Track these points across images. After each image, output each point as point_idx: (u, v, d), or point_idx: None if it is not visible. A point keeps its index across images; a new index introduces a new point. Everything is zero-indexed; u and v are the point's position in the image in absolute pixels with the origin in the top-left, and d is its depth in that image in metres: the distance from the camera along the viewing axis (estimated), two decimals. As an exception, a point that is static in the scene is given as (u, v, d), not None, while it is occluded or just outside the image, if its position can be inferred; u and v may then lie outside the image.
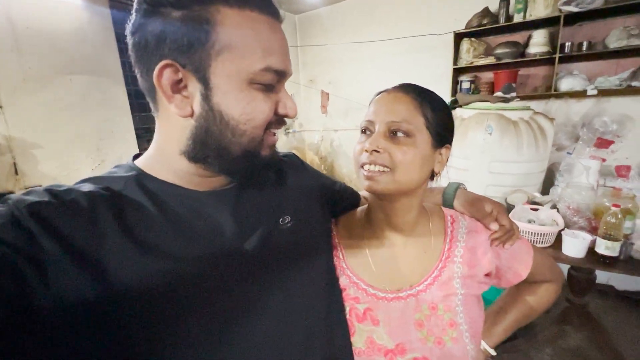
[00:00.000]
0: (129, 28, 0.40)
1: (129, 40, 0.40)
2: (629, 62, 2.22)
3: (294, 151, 3.59)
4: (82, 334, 0.33)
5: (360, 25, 3.33)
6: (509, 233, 0.60)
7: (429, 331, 0.54)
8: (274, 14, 0.42)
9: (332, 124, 3.78)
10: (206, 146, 0.41)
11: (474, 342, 0.55)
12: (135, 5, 0.39)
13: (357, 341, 0.56)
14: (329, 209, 0.65)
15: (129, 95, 2.39)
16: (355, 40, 3.35)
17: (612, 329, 1.87)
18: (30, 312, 0.30)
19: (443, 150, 0.57)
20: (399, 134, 0.53)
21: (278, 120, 0.45)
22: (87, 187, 0.38)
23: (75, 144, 2.10)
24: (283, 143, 3.79)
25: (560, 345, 1.76)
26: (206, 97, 0.39)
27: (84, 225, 0.34)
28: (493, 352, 0.68)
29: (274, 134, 0.46)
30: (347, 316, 0.58)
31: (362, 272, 0.60)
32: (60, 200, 0.35)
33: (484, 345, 0.68)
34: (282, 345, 0.45)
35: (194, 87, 0.39)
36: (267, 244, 0.47)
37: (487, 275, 0.59)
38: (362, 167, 0.54)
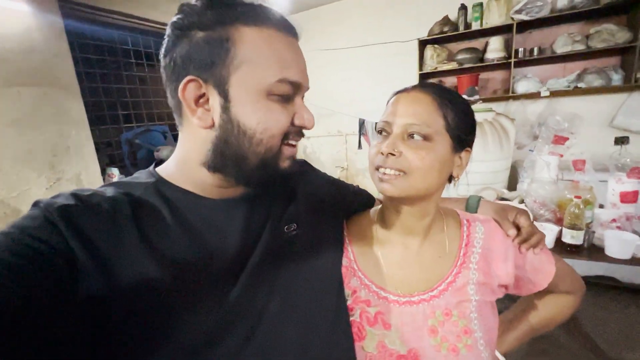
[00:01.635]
0: (161, 52, 0.44)
1: (162, 62, 0.44)
2: (575, 66, 2.43)
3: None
4: (94, 330, 0.35)
5: (327, 34, 3.38)
6: (534, 236, 0.57)
7: (443, 338, 0.53)
8: (291, 32, 0.45)
9: (305, 130, 3.77)
10: (225, 156, 0.43)
11: (488, 350, 0.53)
12: (167, 30, 0.43)
13: (368, 345, 0.54)
14: (341, 214, 0.65)
15: (87, 107, 2.22)
16: (323, 47, 3.39)
17: (579, 313, 1.99)
18: (61, 306, 0.32)
19: (463, 154, 0.55)
20: (417, 137, 0.50)
21: (295, 131, 0.46)
22: (109, 192, 0.41)
23: (24, 162, 1.90)
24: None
25: (534, 333, 1.84)
26: (225, 109, 0.42)
27: (105, 228, 0.37)
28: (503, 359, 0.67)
29: (293, 146, 0.47)
30: (358, 319, 0.56)
31: (374, 274, 0.58)
32: (86, 203, 0.38)
33: (496, 353, 0.66)
34: (281, 353, 0.46)
35: (215, 100, 0.42)
36: (271, 250, 0.48)
37: (502, 286, 0.57)
38: (377, 169, 0.52)
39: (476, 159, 2.12)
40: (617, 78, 2.28)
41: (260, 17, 0.42)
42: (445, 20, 2.68)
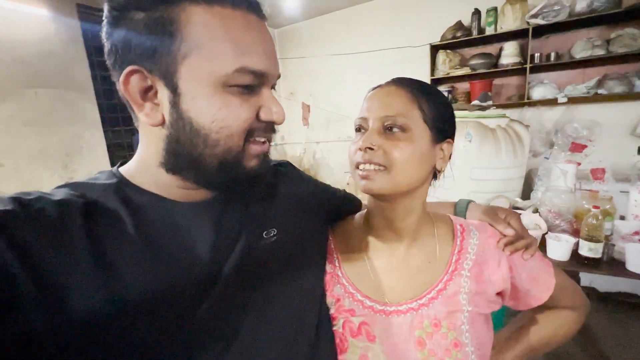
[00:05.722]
0: (102, 36, 0.37)
1: (105, 48, 0.38)
2: (594, 71, 2.34)
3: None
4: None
5: (338, 38, 3.40)
6: (523, 240, 0.54)
7: (431, 351, 0.49)
8: (253, 9, 0.38)
9: (314, 136, 3.78)
10: (179, 157, 0.38)
11: None
12: (105, 12, 0.37)
13: (350, 358, 0.52)
14: (326, 219, 0.62)
15: (101, 109, 2.29)
16: (334, 52, 3.40)
17: (598, 330, 1.88)
18: None
19: (444, 145, 0.53)
20: (394, 129, 0.49)
21: (262, 127, 0.40)
22: (59, 195, 0.35)
23: (39, 161, 1.97)
24: (265, 156, 3.74)
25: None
26: (174, 104, 0.36)
27: (50, 239, 0.31)
28: None
29: (262, 142, 0.41)
30: (340, 330, 0.53)
31: (360, 282, 0.55)
32: (26, 209, 0.32)
33: None
34: None
35: (163, 94, 0.36)
36: (247, 260, 0.43)
37: (498, 294, 0.54)
38: (357, 167, 0.51)
39: (488, 166, 2.05)
40: (640, 84, 2.18)
41: None
42: (458, 25, 2.64)
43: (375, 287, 0.55)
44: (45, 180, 1.99)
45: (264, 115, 0.39)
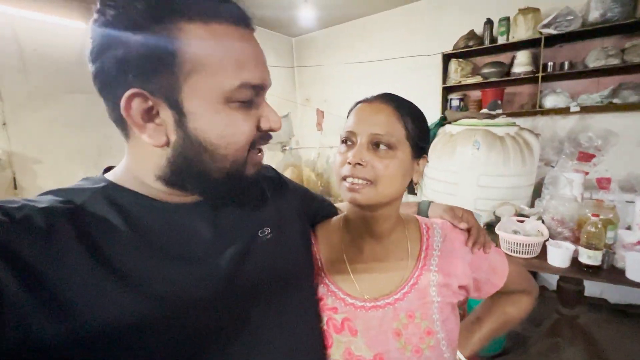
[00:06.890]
0: (87, 55, 0.36)
1: (90, 67, 0.36)
2: (609, 80, 2.32)
3: (290, 168, 3.56)
4: None
5: (353, 47, 3.49)
6: (483, 236, 0.61)
7: (407, 340, 0.54)
8: (245, 24, 0.39)
9: (327, 141, 3.86)
10: (185, 173, 0.39)
11: (450, 350, 0.55)
12: (90, 30, 0.35)
13: (335, 353, 0.54)
14: (308, 221, 0.65)
15: (129, 113, 2.47)
16: (349, 60, 3.49)
17: (607, 342, 1.85)
18: None
19: (421, 161, 0.58)
20: (382, 147, 0.52)
21: (263, 136, 0.43)
22: (45, 202, 0.34)
23: (74, 159, 2.16)
24: (279, 160, 3.86)
25: (553, 359, 1.74)
26: (181, 124, 0.37)
27: (38, 245, 0.31)
28: None
29: (260, 151, 0.44)
30: (325, 327, 0.56)
31: (341, 281, 0.59)
32: (11, 218, 0.31)
33: (459, 355, 0.67)
34: None
35: (167, 114, 0.37)
36: (246, 258, 0.45)
37: (462, 287, 0.59)
38: (344, 179, 0.53)
39: (495, 173, 2.08)
40: (657, 94, 2.14)
41: (205, 9, 0.36)
42: (471, 35, 2.67)
43: (355, 285, 0.58)
44: (79, 176, 2.15)
45: (264, 125, 0.41)
